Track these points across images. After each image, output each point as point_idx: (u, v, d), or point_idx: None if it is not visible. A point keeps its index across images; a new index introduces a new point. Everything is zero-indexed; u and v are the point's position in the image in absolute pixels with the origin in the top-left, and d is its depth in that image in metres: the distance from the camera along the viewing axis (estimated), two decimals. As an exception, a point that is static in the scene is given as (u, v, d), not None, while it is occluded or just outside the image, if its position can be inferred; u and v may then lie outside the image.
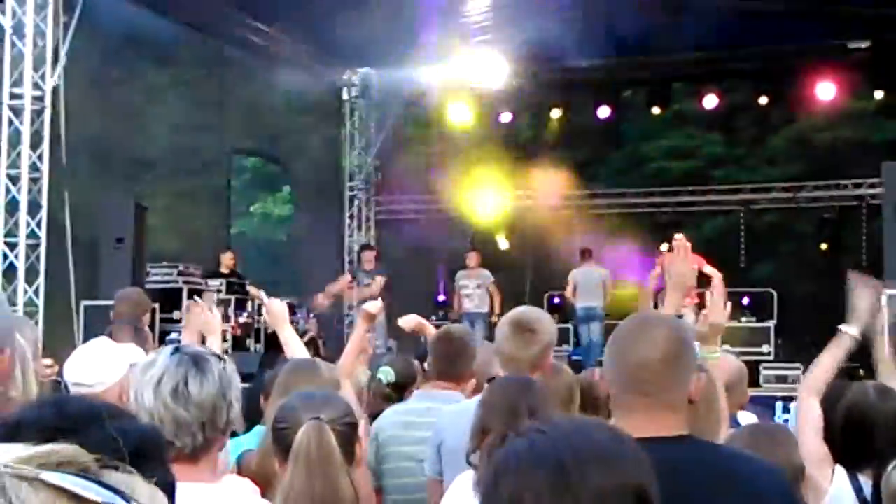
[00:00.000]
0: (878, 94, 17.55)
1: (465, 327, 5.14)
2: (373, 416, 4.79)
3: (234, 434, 3.83)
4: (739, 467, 2.43)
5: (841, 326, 4.08)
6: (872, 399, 3.74)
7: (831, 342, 4.09)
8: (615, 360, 2.47)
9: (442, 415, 4.25)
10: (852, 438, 3.71)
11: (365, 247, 16.71)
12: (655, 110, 18.47)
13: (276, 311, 4.82)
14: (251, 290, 15.12)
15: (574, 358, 15.12)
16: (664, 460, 2.04)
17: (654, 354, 2.41)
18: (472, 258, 16.14)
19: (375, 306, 4.99)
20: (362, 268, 15.65)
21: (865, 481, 3.63)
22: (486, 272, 15.93)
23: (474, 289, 15.73)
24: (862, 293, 4.16)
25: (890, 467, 3.36)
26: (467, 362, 4.56)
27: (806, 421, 3.89)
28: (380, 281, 14.91)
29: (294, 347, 4.68)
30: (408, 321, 5.67)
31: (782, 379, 13.98)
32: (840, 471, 3.68)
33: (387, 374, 5.09)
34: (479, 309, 15.56)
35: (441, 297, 18.80)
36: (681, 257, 3.83)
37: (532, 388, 3.33)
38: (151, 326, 9.96)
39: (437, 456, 4.14)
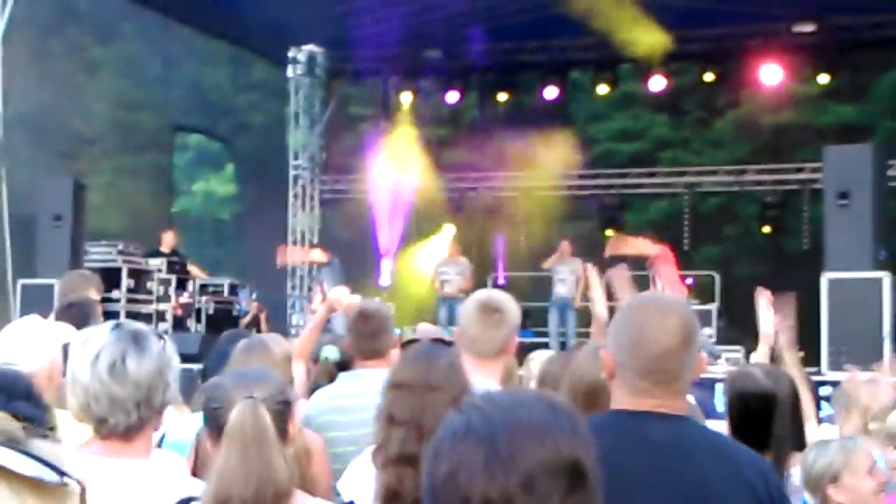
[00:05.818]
0: (823, 78, 17.58)
1: (378, 303, 5.10)
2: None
3: None
4: (730, 451, 2.52)
5: (752, 355, 4.19)
6: (764, 384, 3.59)
7: None
8: (633, 349, 2.48)
9: None
10: (751, 425, 3.53)
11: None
12: (602, 91, 18.43)
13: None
14: (193, 269, 14.94)
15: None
16: (665, 435, 2.39)
17: (675, 343, 2.45)
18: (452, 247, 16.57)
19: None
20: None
21: None
22: (465, 260, 16.15)
23: (455, 275, 15.86)
24: (766, 314, 4.27)
25: (810, 453, 3.52)
26: (388, 337, 4.50)
27: None
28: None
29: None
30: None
31: (724, 361, 14.00)
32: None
33: (332, 353, 5.01)
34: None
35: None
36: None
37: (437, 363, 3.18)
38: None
39: None
